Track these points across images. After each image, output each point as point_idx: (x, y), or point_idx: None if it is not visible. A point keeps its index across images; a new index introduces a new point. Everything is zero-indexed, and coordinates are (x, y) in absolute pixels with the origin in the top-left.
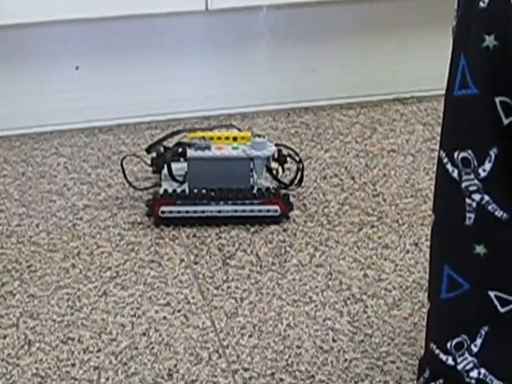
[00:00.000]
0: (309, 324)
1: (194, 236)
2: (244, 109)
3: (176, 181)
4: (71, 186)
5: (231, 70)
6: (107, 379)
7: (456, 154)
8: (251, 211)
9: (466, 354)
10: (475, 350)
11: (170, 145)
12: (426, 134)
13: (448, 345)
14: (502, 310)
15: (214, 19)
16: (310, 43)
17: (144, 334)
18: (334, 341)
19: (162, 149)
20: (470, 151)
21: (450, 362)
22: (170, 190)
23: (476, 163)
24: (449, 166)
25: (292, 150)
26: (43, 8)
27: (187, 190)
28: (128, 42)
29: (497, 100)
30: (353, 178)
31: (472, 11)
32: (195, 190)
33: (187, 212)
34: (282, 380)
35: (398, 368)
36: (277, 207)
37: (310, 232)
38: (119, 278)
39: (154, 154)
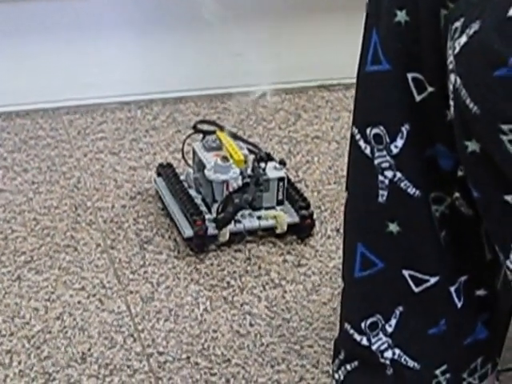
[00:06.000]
0: (226, 309)
1: (112, 221)
2: (165, 94)
3: (187, 163)
4: None
5: (153, 54)
6: (19, 363)
7: (368, 131)
8: (178, 221)
9: (381, 335)
10: (390, 330)
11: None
12: (351, 121)
13: (362, 325)
14: (416, 290)
15: (138, 2)
16: (235, 27)
17: (58, 318)
18: (251, 325)
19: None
20: (382, 127)
21: (365, 342)
22: (175, 168)
23: (388, 140)
24: (361, 143)
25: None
26: None
27: (179, 176)
28: (45, 24)
29: (409, 76)
30: None
31: None
32: (179, 180)
33: (160, 191)
34: (197, 364)
35: (315, 352)
36: (190, 232)
37: None
38: (34, 263)
39: None
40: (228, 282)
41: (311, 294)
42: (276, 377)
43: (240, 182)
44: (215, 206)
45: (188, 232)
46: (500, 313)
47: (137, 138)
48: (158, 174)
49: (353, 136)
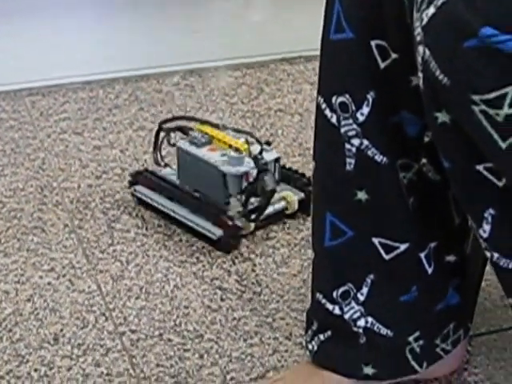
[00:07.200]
0: (196, 284)
1: (78, 201)
2: (127, 73)
3: (158, 164)
4: None
5: (113, 33)
6: None
7: (334, 99)
8: (197, 224)
9: (353, 303)
10: (362, 298)
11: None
12: (313, 93)
13: (334, 294)
14: (386, 257)
15: None
16: (191, 3)
17: (28, 300)
18: (222, 300)
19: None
20: (347, 96)
21: (337, 311)
22: (154, 171)
23: (354, 108)
24: (327, 112)
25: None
26: None
27: (166, 179)
28: (4, 6)
29: (372, 43)
30: None
31: None
32: (171, 182)
33: (150, 199)
34: (170, 340)
35: (287, 324)
36: (219, 231)
37: None
38: (1, 246)
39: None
40: (197, 258)
41: (281, 267)
42: (249, 350)
43: (255, 171)
44: (232, 199)
45: (218, 232)
46: (470, 278)
47: (100, 118)
48: (135, 183)
49: (318, 105)
